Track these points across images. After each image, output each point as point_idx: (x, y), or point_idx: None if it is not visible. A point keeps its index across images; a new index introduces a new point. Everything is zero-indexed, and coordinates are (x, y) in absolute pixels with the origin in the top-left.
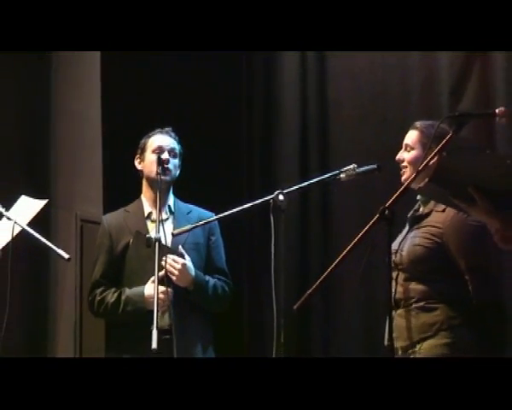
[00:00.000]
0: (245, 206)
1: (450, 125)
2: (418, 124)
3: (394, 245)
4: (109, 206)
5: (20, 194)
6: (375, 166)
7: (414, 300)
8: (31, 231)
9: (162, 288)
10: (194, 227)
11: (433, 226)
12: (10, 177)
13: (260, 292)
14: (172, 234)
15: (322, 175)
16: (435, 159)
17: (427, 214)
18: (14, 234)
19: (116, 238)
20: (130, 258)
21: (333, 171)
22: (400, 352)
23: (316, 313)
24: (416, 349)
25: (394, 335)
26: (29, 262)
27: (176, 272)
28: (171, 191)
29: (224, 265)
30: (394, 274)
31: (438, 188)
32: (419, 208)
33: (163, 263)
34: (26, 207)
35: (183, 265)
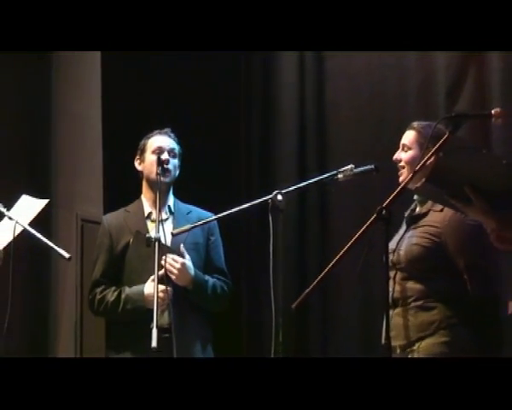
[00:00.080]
0: (243, 206)
1: (446, 125)
2: (415, 124)
3: (392, 244)
4: (109, 206)
5: (21, 194)
6: (372, 166)
7: (412, 299)
8: (32, 230)
9: (162, 287)
10: (193, 227)
11: (431, 226)
12: (11, 177)
13: (259, 292)
14: (172, 234)
15: (320, 175)
16: (432, 159)
17: (425, 214)
18: (16, 234)
19: (116, 238)
20: (130, 257)
21: (331, 171)
22: (399, 351)
23: (314, 311)
24: (415, 348)
25: (392, 333)
26: (30, 262)
27: (175, 271)
28: (171, 192)
29: (223, 265)
30: (392, 273)
31: (434, 188)
32: (416, 208)
33: (163, 262)
34: (28, 207)
35: (183, 264)
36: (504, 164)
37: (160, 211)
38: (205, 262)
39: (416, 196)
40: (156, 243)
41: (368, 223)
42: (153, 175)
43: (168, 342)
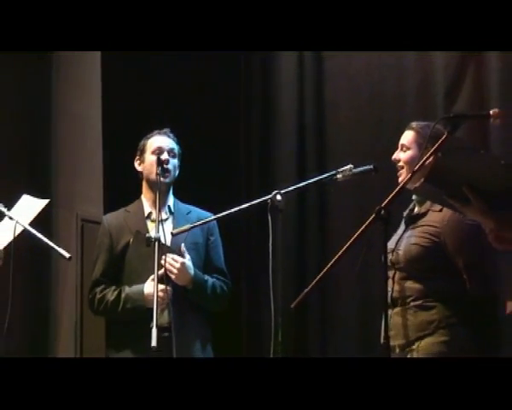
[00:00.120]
0: (243, 206)
1: (445, 125)
2: (414, 124)
3: (390, 244)
4: (109, 206)
5: (22, 194)
6: (371, 166)
7: (411, 298)
8: (32, 230)
9: (162, 286)
10: (192, 227)
11: (430, 226)
12: (11, 177)
13: (258, 292)
14: (172, 234)
15: (319, 175)
16: (431, 159)
17: (424, 214)
18: (16, 234)
19: (116, 238)
20: (130, 257)
21: (330, 171)
22: (398, 350)
23: (313, 311)
24: (414, 347)
25: (392, 333)
26: (30, 261)
27: (175, 271)
28: (170, 192)
29: (223, 265)
30: (391, 273)
31: (433, 188)
32: (414, 208)
33: (162, 262)
34: (28, 207)
35: (183, 264)
36: (502, 164)
37: (159, 211)
38: (204, 262)
39: (414, 196)
40: (156, 243)
41: (367, 223)
42: (153, 175)
43: (168, 342)
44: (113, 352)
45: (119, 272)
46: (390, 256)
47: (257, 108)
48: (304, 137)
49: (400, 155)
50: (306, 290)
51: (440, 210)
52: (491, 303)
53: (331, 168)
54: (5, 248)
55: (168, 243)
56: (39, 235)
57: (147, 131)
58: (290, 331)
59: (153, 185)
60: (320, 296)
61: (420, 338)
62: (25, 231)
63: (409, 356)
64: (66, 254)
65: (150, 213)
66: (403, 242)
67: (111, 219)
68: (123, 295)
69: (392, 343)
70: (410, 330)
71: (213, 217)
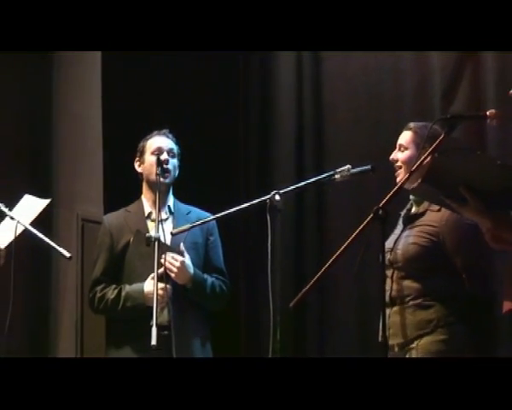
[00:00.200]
0: (242, 206)
1: (442, 126)
2: (412, 125)
3: (388, 244)
4: (109, 205)
5: (23, 194)
6: (368, 167)
7: (410, 297)
8: (33, 230)
9: (161, 285)
10: (192, 227)
11: (429, 225)
12: (12, 177)
13: (257, 291)
14: (171, 233)
15: (317, 176)
16: (428, 159)
17: (422, 214)
18: (17, 233)
19: (117, 237)
20: (130, 256)
21: (328, 171)
22: (397, 349)
23: (311, 310)
24: (413, 346)
25: (390, 332)
26: (31, 261)
27: (175, 270)
28: (170, 192)
29: (222, 264)
30: (389, 272)
31: (430, 188)
32: (411, 208)
33: (162, 261)
34: (30, 207)
35: (182, 262)
36: (499, 165)
37: (159, 211)
38: (204, 262)
39: (411, 196)
40: (156, 242)
41: (365, 223)
42: (153, 176)
43: (167, 340)
44: (113, 350)
45: (119, 271)
46: (388, 256)
47: (256, 109)
48: (302, 137)
49: (398, 155)
50: (305, 290)
51: (439, 210)
52: (490, 302)
53: (329, 169)
54: (6, 247)
55: (168, 243)
56: (40, 234)
57: (147, 131)
58: (289, 330)
59: (153, 186)
60: (318, 296)
61: (419, 337)
62: (26, 231)
63: (408, 355)
64: (67, 254)
65: (150, 213)
66: (401, 241)
67: (111, 218)
68: (123, 294)
69: (391, 342)
70: (409, 329)
71: (212, 217)
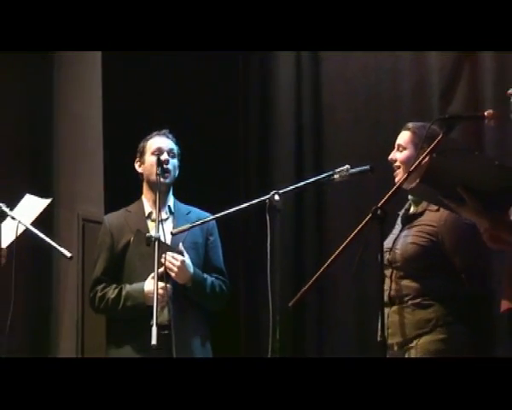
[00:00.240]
0: (241, 206)
1: (440, 126)
2: (410, 125)
3: (387, 243)
4: (110, 205)
5: (24, 194)
6: (367, 167)
7: (409, 297)
8: (34, 230)
9: (161, 284)
10: (192, 226)
11: (428, 225)
12: (13, 177)
13: (256, 291)
14: (171, 233)
15: (316, 176)
16: (426, 159)
17: (421, 213)
18: (18, 233)
19: (117, 237)
20: (130, 256)
21: (327, 172)
22: (396, 348)
23: (310, 310)
24: (413, 345)
25: (389, 331)
26: (32, 260)
27: (175, 269)
28: (170, 192)
29: (222, 264)
30: (388, 272)
31: (428, 188)
32: (410, 208)
33: (162, 260)
34: (31, 206)
35: (182, 262)
36: (497, 165)
37: (160, 211)
38: (204, 262)
39: (410, 196)
40: (156, 242)
41: (363, 222)
42: (153, 176)
43: (167, 339)
44: (114, 349)
45: (119, 270)
46: (387, 255)
47: (255, 109)
48: (302, 137)
49: (397, 155)
50: (304, 289)
51: (437, 210)
52: (488, 302)
53: (328, 169)
54: (7, 247)
55: (168, 243)
56: (41, 234)
57: (147, 131)
58: (288, 330)
59: (153, 186)
60: (317, 295)
61: (418, 336)
62: (27, 231)
63: (407, 354)
64: (68, 254)
65: (151, 213)
66: (400, 241)
67: (112, 218)
68: (123, 293)
69: (390, 341)
70: (409, 329)
71: (212, 217)
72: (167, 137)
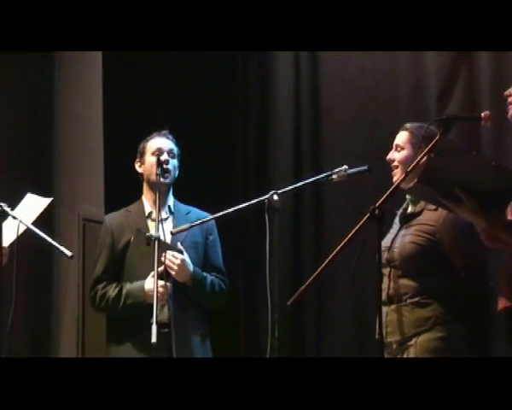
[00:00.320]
0: (240, 206)
1: (437, 127)
2: (408, 125)
3: (385, 243)
4: (110, 205)
5: (25, 194)
6: (365, 167)
7: (408, 295)
8: (35, 229)
9: (161, 282)
10: (191, 226)
11: (426, 224)
12: (14, 177)
13: (255, 290)
14: (171, 233)
15: (315, 176)
16: (424, 159)
17: (419, 213)
18: (20, 232)
19: (118, 236)
20: (131, 255)
21: (325, 172)
22: (395, 346)
23: (309, 309)
24: (412, 343)
25: (388, 330)
26: (33, 260)
27: (175, 267)
28: (170, 192)
29: (221, 263)
30: (387, 271)
31: (426, 188)
32: (408, 207)
33: (162, 259)
34: (32, 206)
35: (182, 260)
36: (493, 165)
37: (160, 211)
38: (203, 261)
39: (408, 196)
40: (156, 241)
41: (361, 222)
42: (153, 176)
43: (167, 337)
44: (114, 347)
45: (120, 269)
46: (385, 254)
47: (254, 109)
48: (300, 138)
49: (395, 155)
50: (302, 288)
51: (436, 209)
52: (486, 300)
53: (327, 169)
54: (9, 246)
55: (168, 242)
56: (42, 234)
57: (147, 131)
58: (286, 328)
59: (153, 186)
60: (316, 294)
61: (417, 334)
62: (28, 230)
63: (406, 352)
64: (68, 253)
65: (151, 213)
66: (398, 240)
67: (112, 218)
68: (124, 292)
69: (389, 340)
70: (407, 327)
71: (211, 216)
72: (167, 137)
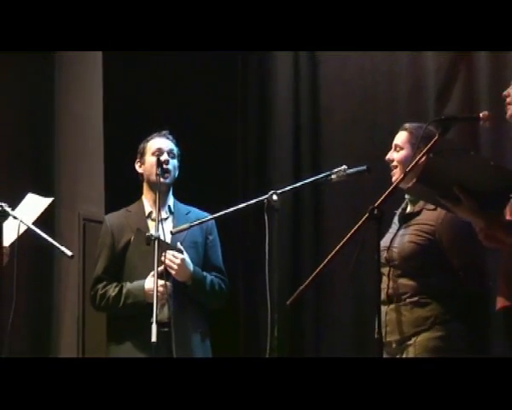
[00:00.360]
0: (240, 206)
1: (436, 127)
2: (407, 125)
3: (384, 242)
4: (110, 205)
5: (26, 194)
6: (364, 167)
7: (407, 295)
8: (36, 229)
9: (161, 282)
10: (191, 226)
11: (425, 224)
12: (15, 177)
13: (255, 290)
14: (171, 232)
15: (314, 176)
16: (423, 159)
17: (418, 213)
18: (20, 232)
19: (118, 236)
20: (131, 254)
21: (324, 172)
22: (394, 345)
23: (308, 308)
24: (411, 342)
25: (388, 329)
26: (34, 259)
27: (175, 267)
28: (170, 192)
29: (221, 263)
30: (386, 270)
31: (425, 188)
32: (407, 207)
33: (162, 259)
34: (33, 206)
35: (182, 260)
36: (492, 165)
37: (160, 210)
38: (203, 261)
39: (407, 196)
40: (156, 241)
41: (360, 222)
42: (153, 176)
43: (167, 337)
44: (114, 347)
45: (120, 269)
46: (385, 254)
47: (254, 109)
48: (299, 138)
49: (394, 155)
50: (302, 287)
51: (435, 209)
52: (485, 300)
53: (326, 169)
54: (9, 246)
55: (168, 242)
56: (42, 234)
57: (147, 131)
58: (286, 327)
59: (153, 186)
60: (315, 293)
61: (416, 334)
62: (29, 230)
63: (405, 351)
64: (69, 253)
65: (151, 213)
66: (397, 239)
67: (113, 218)
68: (124, 291)
69: (388, 339)
70: (406, 326)
71: (211, 216)
72: (167, 138)
